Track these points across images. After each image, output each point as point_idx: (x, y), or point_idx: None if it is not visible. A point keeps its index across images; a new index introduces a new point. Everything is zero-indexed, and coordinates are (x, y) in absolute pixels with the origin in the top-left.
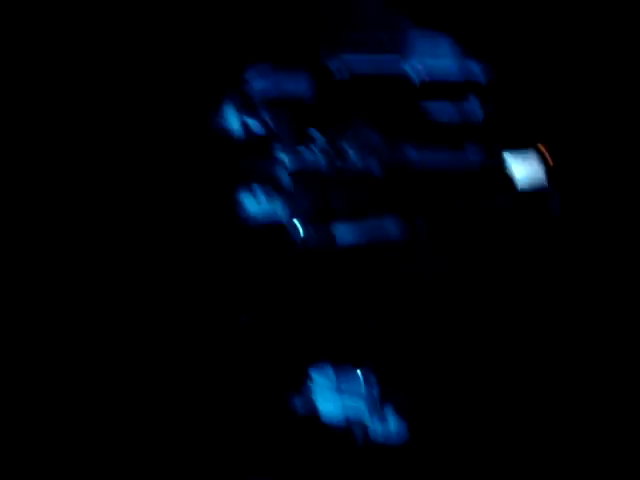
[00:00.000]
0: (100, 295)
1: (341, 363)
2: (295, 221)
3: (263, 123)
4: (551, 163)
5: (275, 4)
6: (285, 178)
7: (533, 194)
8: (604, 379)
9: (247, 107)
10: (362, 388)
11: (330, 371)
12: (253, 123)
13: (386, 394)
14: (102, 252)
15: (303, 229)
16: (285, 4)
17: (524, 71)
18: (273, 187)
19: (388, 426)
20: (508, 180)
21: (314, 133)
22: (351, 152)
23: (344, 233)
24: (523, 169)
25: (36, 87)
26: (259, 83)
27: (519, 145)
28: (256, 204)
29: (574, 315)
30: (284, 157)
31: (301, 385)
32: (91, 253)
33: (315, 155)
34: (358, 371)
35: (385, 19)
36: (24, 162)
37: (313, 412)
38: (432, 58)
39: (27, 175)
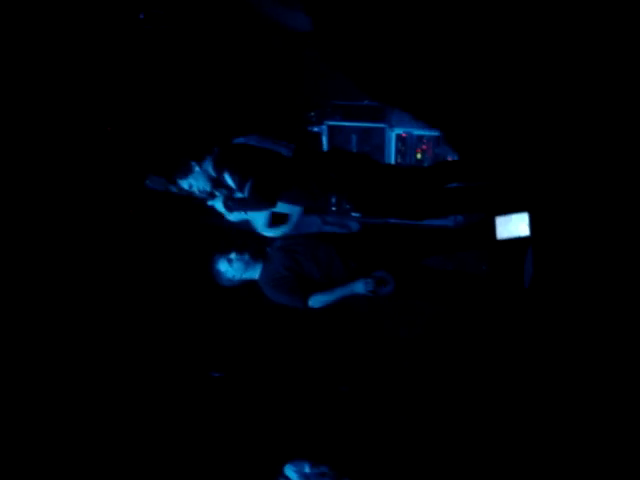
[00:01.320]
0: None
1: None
2: (268, 284)
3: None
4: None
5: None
6: (262, 241)
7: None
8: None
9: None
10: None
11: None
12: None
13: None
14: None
15: (276, 292)
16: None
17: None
18: (249, 252)
19: None
20: (483, 243)
21: (294, 199)
22: (329, 217)
23: (316, 300)
24: (506, 224)
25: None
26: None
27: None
28: (230, 268)
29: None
30: (262, 219)
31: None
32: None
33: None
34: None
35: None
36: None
37: None
38: (415, 126)
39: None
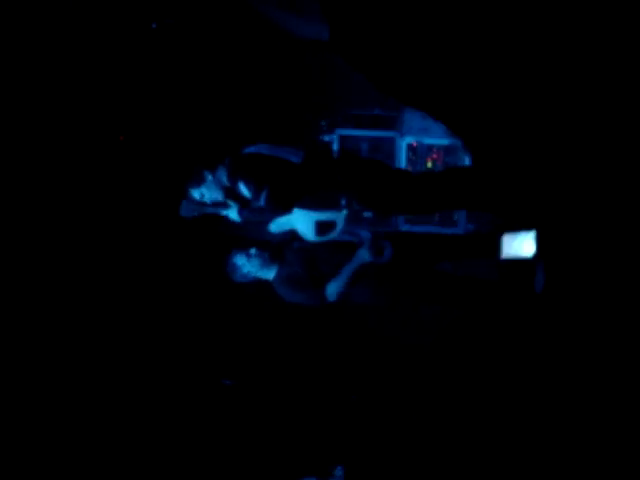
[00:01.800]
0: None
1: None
2: (283, 282)
3: (258, 194)
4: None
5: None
6: (276, 242)
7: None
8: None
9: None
10: None
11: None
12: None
13: None
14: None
15: (292, 291)
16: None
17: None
18: (265, 250)
19: None
20: (493, 251)
21: (305, 204)
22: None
23: (331, 291)
24: (512, 243)
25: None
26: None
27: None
28: (247, 262)
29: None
30: (310, 228)
31: None
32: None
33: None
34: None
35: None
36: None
37: None
38: (425, 135)
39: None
